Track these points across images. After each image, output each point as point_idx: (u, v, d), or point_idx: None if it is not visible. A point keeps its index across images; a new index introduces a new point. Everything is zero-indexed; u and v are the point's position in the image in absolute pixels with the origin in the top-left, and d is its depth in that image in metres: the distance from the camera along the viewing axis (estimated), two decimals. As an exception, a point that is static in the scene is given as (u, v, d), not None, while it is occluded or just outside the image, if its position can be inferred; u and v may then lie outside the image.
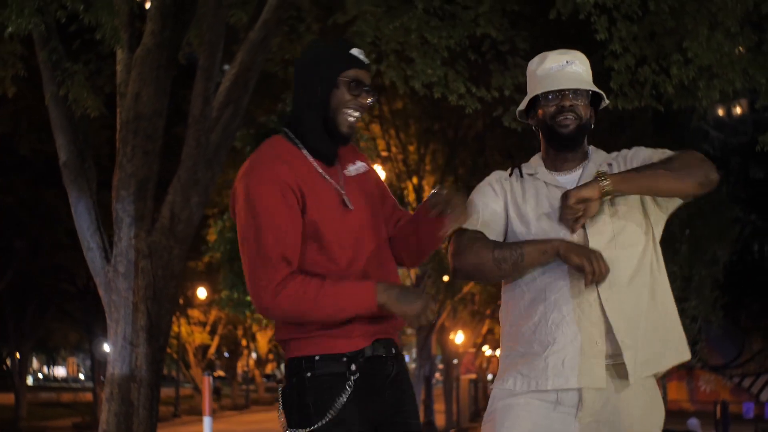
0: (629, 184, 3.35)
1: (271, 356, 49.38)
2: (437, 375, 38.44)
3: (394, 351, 3.30)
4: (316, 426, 3.13)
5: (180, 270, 7.83)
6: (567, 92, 3.45)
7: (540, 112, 3.50)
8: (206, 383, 9.18)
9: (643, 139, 7.04)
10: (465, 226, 3.49)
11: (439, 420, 30.71)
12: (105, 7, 6.49)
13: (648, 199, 3.50)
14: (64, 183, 7.80)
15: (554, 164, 3.56)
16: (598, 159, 3.56)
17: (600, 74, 4.36)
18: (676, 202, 3.53)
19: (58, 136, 7.76)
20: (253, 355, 50.60)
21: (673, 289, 3.58)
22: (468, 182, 22.95)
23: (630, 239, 3.43)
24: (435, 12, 8.58)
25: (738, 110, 25.79)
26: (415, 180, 23.41)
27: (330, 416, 3.12)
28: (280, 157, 3.21)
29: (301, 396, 3.17)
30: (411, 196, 23.40)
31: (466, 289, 25.88)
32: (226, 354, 50.40)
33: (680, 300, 18.99)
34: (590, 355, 3.33)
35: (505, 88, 9.65)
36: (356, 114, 3.26)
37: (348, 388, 3.15)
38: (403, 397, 3.30)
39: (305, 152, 3.26)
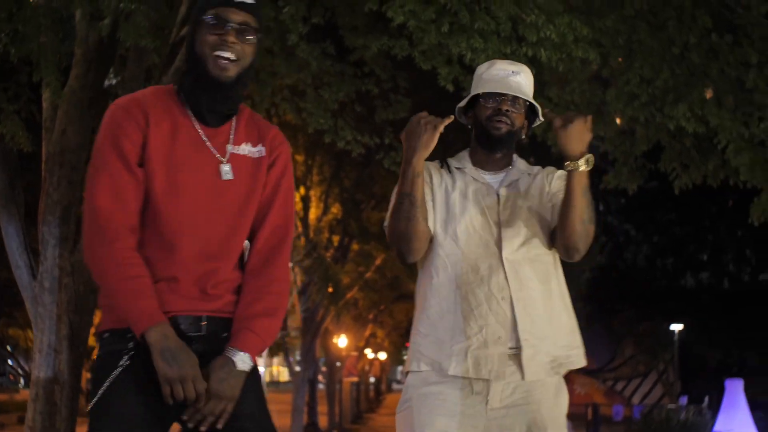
0: (586, 181, 3.45)
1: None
2: (320, 377, 39.09)
3: (204, 330, 2.88)
4: (91, 406, 2.80)
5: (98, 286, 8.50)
6: (506, 98, 3.54)
7: (477, 111, 3.60)
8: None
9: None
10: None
11: (322, 421, 31.18)
12: (49, 67, 7.24)
13: (550, 209, 3.60)
14: (-5, 208, 8.38)
15: (481, 163, 3.64)
16: (521, 166, 3.68)
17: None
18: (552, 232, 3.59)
19: None
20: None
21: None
22: (352, 194, 23.91)
23: (540, 245, 3.54)
24: (327, 69, 9.64)
25: (618, 121, 27.22)
26: (302, 190, 24.06)
27: (102, 393, 2.78)
28: (150, 98, 2.97)
29: (92, 379, 2.87)
30: (299, 206, 24.13)
31: (349, 294, 26.75)
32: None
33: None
34: (493, 349, 3.42)
35: (386, 136, 10.77)
36: (225, 54, 2.87)
37: (120, 366, 2.80)
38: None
39: (188, 109, 2.97)
